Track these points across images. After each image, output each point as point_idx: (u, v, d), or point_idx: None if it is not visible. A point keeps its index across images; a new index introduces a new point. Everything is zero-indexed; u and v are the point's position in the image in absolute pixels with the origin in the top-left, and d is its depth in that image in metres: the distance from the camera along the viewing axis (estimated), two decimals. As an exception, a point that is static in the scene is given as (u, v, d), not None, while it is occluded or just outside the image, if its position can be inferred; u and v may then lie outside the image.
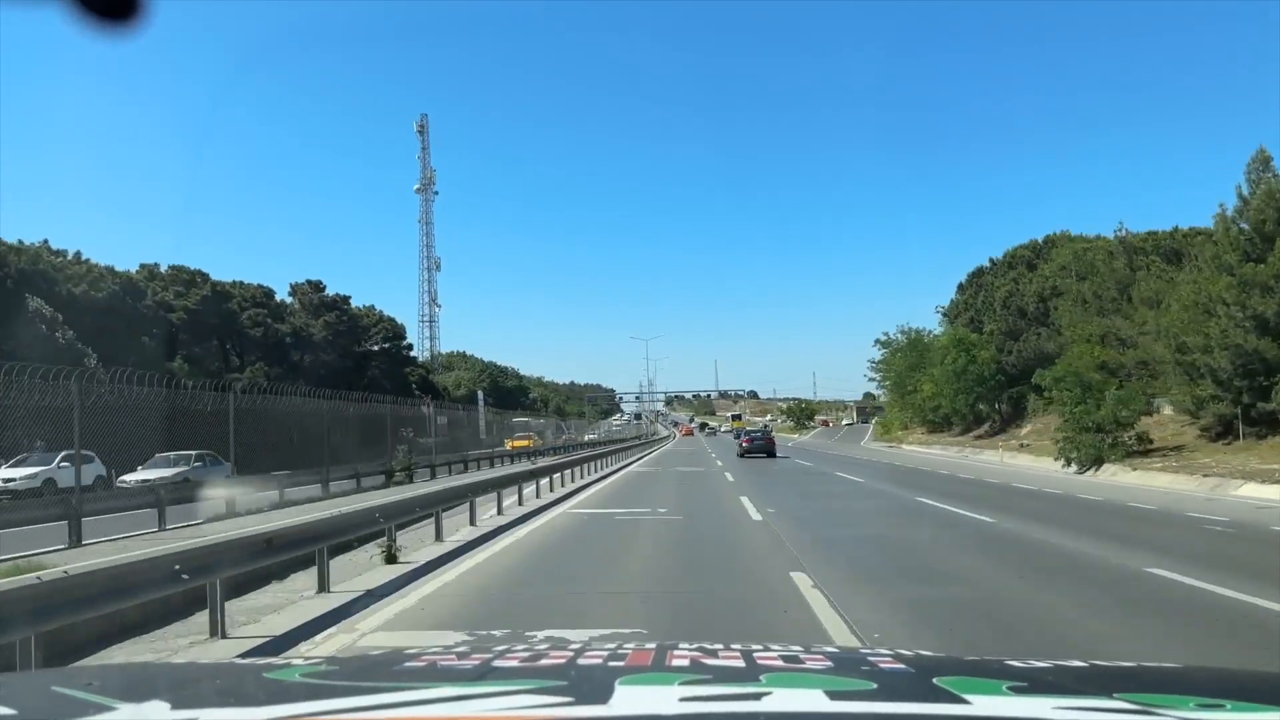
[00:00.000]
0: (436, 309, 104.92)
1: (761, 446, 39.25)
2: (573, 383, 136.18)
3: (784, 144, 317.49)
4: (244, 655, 5.60)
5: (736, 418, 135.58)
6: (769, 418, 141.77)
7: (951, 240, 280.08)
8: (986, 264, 60.16)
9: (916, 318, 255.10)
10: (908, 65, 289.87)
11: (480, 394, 43.36)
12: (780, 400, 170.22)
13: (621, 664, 1.36)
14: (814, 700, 1.12)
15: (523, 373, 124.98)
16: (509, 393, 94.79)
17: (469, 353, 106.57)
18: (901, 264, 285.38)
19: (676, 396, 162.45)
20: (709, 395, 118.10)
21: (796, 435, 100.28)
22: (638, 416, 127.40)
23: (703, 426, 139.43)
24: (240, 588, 7.72)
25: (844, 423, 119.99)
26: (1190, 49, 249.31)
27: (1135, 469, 23.92)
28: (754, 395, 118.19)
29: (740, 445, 40.59)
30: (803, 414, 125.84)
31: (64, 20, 1.62)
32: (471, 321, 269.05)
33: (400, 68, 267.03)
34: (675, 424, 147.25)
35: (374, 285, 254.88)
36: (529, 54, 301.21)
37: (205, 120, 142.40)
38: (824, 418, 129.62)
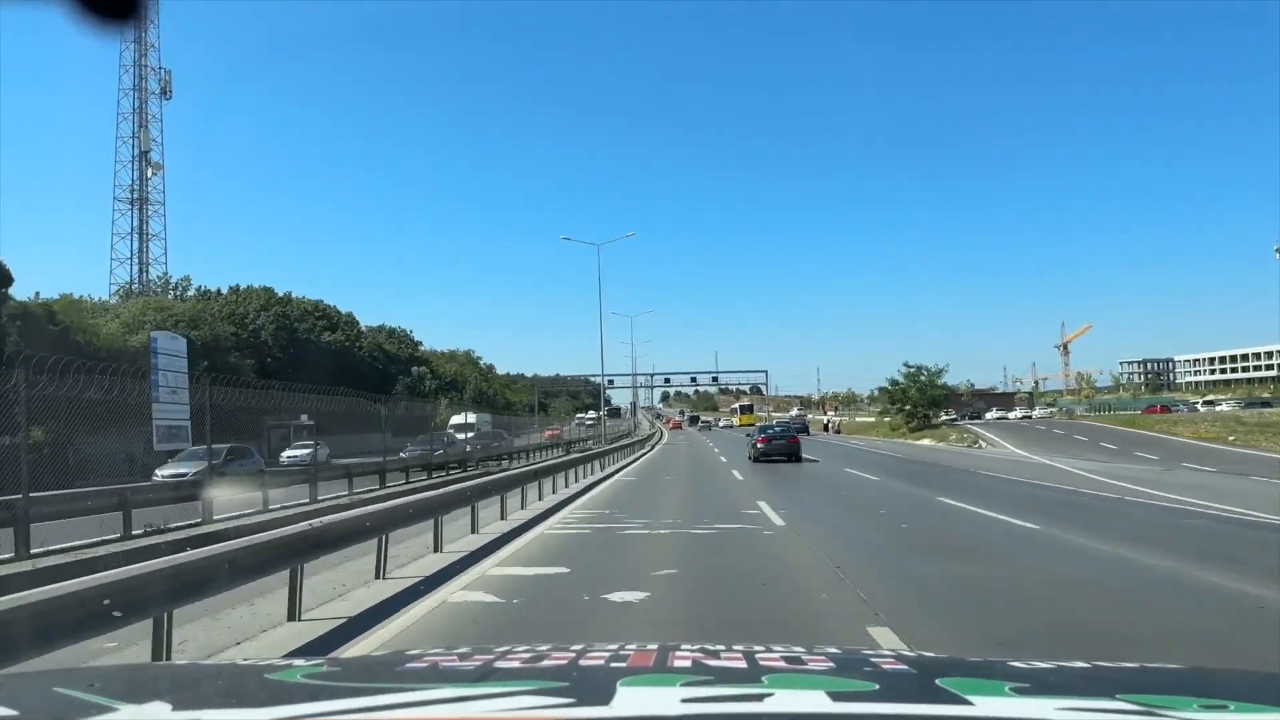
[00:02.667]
0: (149, 175, 55.78)
1: (782, 448, 31.13)
2: (558, 375, 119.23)
3: (783, 144, 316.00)
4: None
5: (747, 409, 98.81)
6: (795, 411, 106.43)
7: (952, 239, 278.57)
8: None
9: (916, 317, 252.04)
10: (915, 60, 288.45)
11: (161, 340, 20.76)
12: (784, 396, 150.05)
13: (623, 665, 1.36)
14: (816, 701, 1.12)
15: (420, 340, 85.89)
16: (342, 354, 59.27)
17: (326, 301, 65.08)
18: (901, 262, 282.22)
19: (676, 393, 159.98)
20: (711, 380, 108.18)
21: (935, 442, 48.58)
22: (615, 413, 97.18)
23: (694, 420, 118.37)
24: None
25: None
26: (1202, 43, 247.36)
27: None
28: (758, 391, 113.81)
29: (754, 446, 31.76)
30: (924, 399, 59.41)
31: (64, 20, 1.63)
32: (468, 322, 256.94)
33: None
34: (659, 416, 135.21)
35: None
36: (520, 43, 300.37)
37: None
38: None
